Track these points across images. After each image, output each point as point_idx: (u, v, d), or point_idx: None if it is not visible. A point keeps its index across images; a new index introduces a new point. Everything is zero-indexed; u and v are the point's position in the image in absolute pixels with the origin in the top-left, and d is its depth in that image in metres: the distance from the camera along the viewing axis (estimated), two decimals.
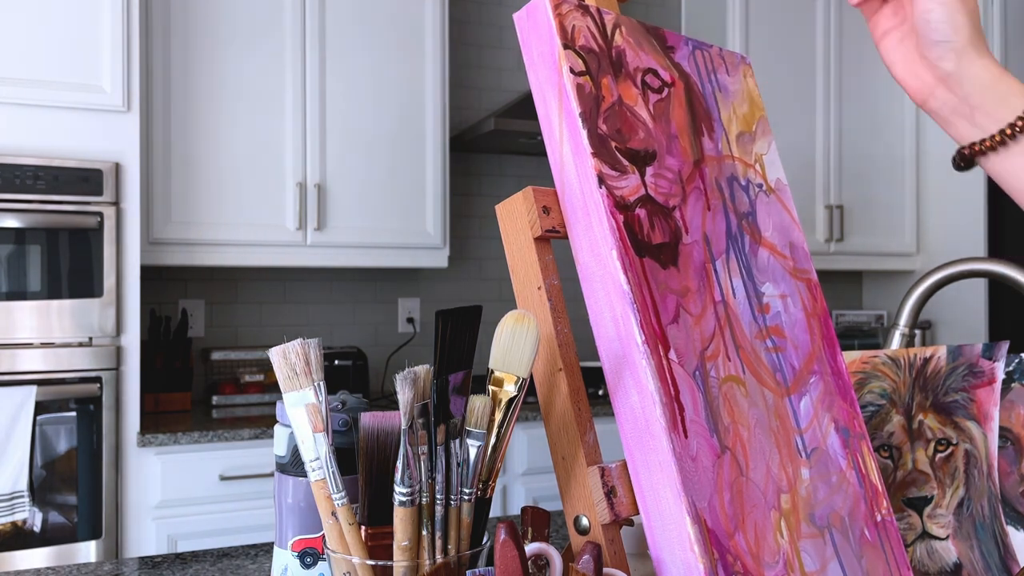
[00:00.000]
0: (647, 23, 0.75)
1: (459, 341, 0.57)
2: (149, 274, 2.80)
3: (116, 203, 2.31)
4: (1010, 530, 0.83)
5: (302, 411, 0.58)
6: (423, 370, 0.56)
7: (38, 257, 2.21)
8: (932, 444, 0.88)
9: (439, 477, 0.57)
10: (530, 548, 0.59)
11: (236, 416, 2.59)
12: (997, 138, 0.63)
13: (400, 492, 0.56)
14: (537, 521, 0.68)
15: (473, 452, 0.58)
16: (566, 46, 0.66)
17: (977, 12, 0.65)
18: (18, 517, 2.13)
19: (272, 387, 2.84)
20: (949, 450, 0.87)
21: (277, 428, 0.77)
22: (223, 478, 2.36)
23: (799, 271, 0.79)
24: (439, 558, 0.57)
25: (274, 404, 2.79)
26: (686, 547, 0.59)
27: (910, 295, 1.12)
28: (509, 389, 0.59)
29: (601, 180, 0.64)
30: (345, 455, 0.66)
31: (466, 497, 0.58)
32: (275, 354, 0.58)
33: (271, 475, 2.40)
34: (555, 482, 2.67)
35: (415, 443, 0.55)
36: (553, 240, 0.68)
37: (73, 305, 2.25)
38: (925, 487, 0.87)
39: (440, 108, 2.89)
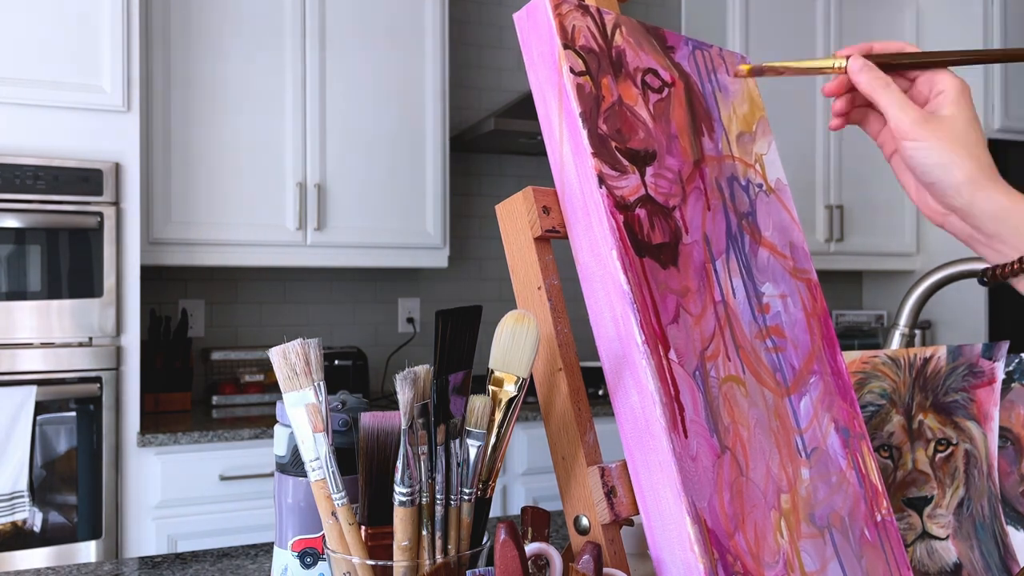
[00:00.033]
0: (647, 23, 0.75)
1: (459, 341, 0.57)
2: (149, 274, 2.80)
3: (116, 203, 2.31)
4: (1010, 530, 0.83)
5: (302, 411, 0.58)
6: (423, 370, 0.56)
7: (38, 257, 2.21)
8: (932, 444, 0.88)
9: (439, 477, 0.57)
10: (530, 548, 0.59)
11: (236, 416, 2.59)
12: (1017, 265, 0.62)
13: (400, 492, 0.56)
14: (537, 521, 0.68)
15: (473, 452, 0.58)
16: (566, 46, 0.66)
17: (976, 137, 0.63)
18: (18, 517, 2.13)
19: (272, 387, 2.84)
20: (949, 450, 0.87)
21: (277, 428, 0.77)
22: (223, 478, 2.36)
23: (799, 271, 0.79)
24: (439, 558, 0.57)
25: (274, 404, 2.79)
26: (686, 547, 0.59)
27: (910, 295, 1.12)
28: (509, 389, 0.59)
29: (601, 180, 0.64)
30: (345, 455, 0.66)
31: (466, 497, 0.58)
32: (275, 354, 0.58)
33: (271, 475, 2.40)
34: (555, 482, 2.66)
35: (415, 443, 0.55)
36: (553, 240, 0.68)
37: (73, 305, 2.25)
38: (925, 487, 0.87)
39: (440, 108, 2.89)
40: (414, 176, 2.86)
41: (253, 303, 2.99)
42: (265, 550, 1.12)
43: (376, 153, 2.81)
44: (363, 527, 0.61)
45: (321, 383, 0.58)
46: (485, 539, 0.61)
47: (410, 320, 3.19)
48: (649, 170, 0.68)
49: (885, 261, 3.63)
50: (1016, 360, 0.86)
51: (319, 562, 0.74)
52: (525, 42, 0.69)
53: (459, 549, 0.58)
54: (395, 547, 0.56)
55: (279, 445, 0.76)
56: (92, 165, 2.26)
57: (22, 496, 2.14)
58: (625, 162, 0.66)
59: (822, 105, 3.50)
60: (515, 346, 0.59)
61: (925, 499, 0.87)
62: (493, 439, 0.59)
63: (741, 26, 3.33)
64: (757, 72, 0.73)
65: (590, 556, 0.57)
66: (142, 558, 1.09)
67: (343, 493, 0.58)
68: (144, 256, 2.47)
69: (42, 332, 2.22)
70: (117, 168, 2.31)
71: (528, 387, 0.60)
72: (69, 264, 2.24)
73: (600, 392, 2.81)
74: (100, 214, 2.27)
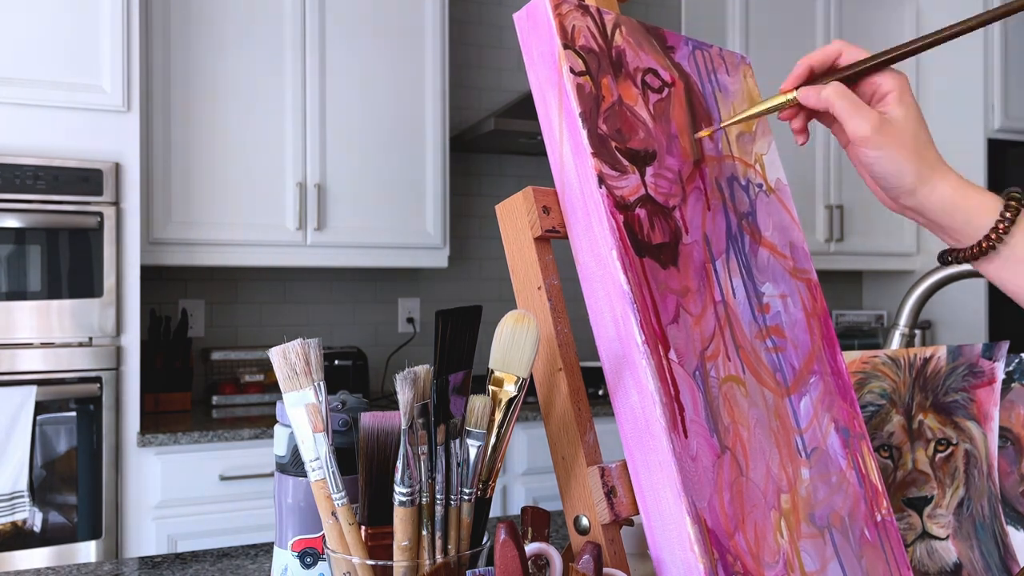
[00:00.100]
0: (647, 23, 0.75)
1: (459, 341, 0.57)
2: (149, 274, 2.80)
3: (116, 203, 2.31)
4: (1010, 530, 0.83)
5: (302, 411, 0.58)
6: (423, 370, 0.56)
7: (38, 257, 2.21)
8: (932, 444, 0.88)
9: (439, 477, 0.57)
10: (530, 548, 0.59)
11: (236, 416, 2.59)
12: (974, 250, 0.66)
13: (400, 492, 0.56)
14: (537, 521, 0.68)
15: (473, 452, 0.58)
16: (566, 46, 0.66)
17: (924, 136, 0.66)
18: (18, 517, 2.13)
19: (272, 387, 2.84)
20: (949, 450, 0.87)
21: (277, 428, 0.77)
22: (223, 478, 2.36)
23: (799, 271, 0.79)
24: (439, 558, 0.57)
25: (274, 404, 2.78)
26: (686, 547, 0.59)
27: (910, 295, 1.12)
28: (509, 389, 0.59)
29: (601, 180, 0.64)
30: (345, 455, 0.66)
31: (466, 497, 0.58)
32: (275, 354, 0.58)
33: (271, 475, 2.40)
34: (555, 482, 2.66)
35: (415, 443, 0.55)
36: (553, 240, 0.68)
37: (73, 305, 2.25)
38: (925, 487, 0.87)
39: (440, 108, 2.89)
40: (414, 176, 2.86)
41: (253, 303, 2.99)
42: (265, 550, 1.12)
43: (376, 153, 2.81)
44: (363, 527, 0.61)
45: (321, 383, 0.58)
46: (485, 539, 0.61)
47: (410, 320, 3.19)
48: (649, 170, 0.68)
49: (885, 261, 3.63)
50: (1016, 360, 0.86)
51: (319, 562, 0.74)
52: (525, 42, 0.69)
53: (459, 549, 0.58)
54: (395, 547, 0.56)
55: (279, 445, 0.76)
56: (92, 165, 2.26)
57: (22, 496, 2.14)
58: (625, 162, 0.66)
59: None
60: (515, 346, 0.59)
61: (925, 499, 0.87)
62: (493, 439, 0.59)
63: (741, 26, 3.33)
64: (717, 130, 0.75)
65: (590, 556, 0.57)
66: (142, 558, 1.09)
67: (343, 493, 0.58)
68: (144, 256, 2.47)
69: (42, 332, 2.22)
70: (117, 168, 2.31)
71: (528, 387, 0.60)
72: (69, 264, 2.24)
73: (600, 392, 2.81)
74: (100, 214, 2.27)
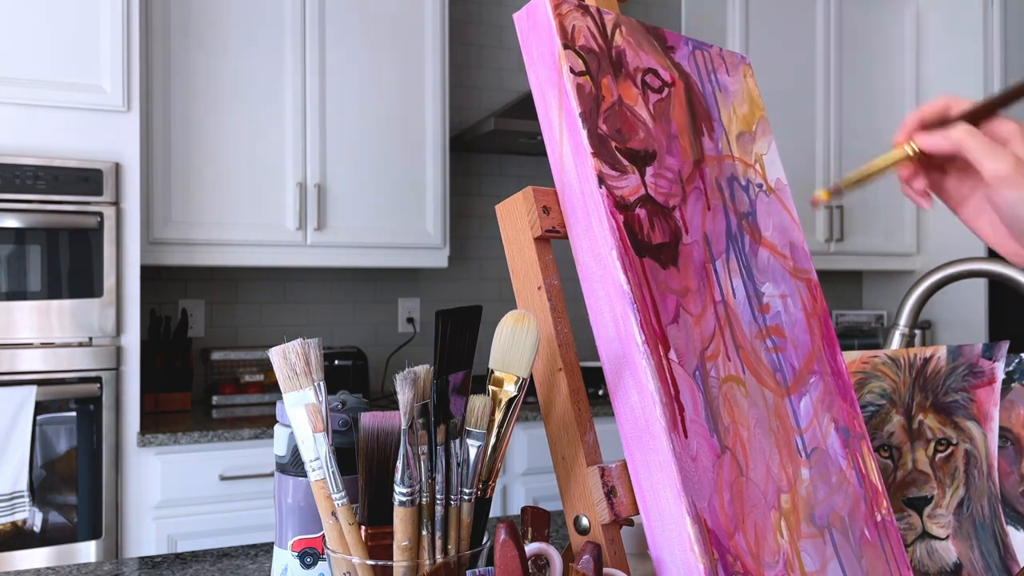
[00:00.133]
0: (647, 23, 0.75)
1: (459, 341, 0.57)
2: (149, 274, 2.80)
3: (116, 203, 2.31)
4: (1010, 530, 0.83)
5: (302, 411, 0.58)
6: (423, 370, 0.56)
7: (38, 257, 2.21)
8: (932, 444, 0.88)
9: (439, 477, 0.57)
10: (530, 548, 0.59)
11: (236, 416, 2.59)
12: None
13: (400, 492, 0.56)
14: (537, 521, 0.68)
15: (473, 452, 0.58)
16: (566, 46, 0.66)
17: None
18: (18, 517, 2.13)
19: (272, 387, 2.84)
20: (949, 450, 0.87)
21: (277, 428, 0.77)
22: (223, 478, 2.36)
23: (799, 271, 0.79)
24: (439, 558, 0.57)
25: (274, 404, 2.78)
26: (686, 547, 0.59)
27: (910, 295, 1.12)
28: (509, 389, 0.59)
29: (601, 180, 0.64)
30: (345, 455, 0.66)
31: (466, 497, 0.58)
32: (275, 354, 0.58)
33: (271, 475, 2.40)
34: (555, 482, 2.66)
35: (415, 443, 0.55)
36: (553, 240, 0.68)
37: (73, 305, 2.25)
38: (925, 487, 0.87)
39: (440, 108, 2.89)
40: (414, 176, 2.86)
41: (253, 303, 2.99)
42: (265, 550, 1.12)
43: (376, 153, 2.81)
44: (363, 527, 0.61)
45: (321, 383, 0.58)
46: (485, 539, 0.61)
47: (410, 320, 3.19)
48: (649, 170, 0.68)
49: (885, 261, 3.63)
50: (1016, 360, 0.86)
51: (319, 562, 0.74)
52: (525, 42, 0.69)
53: (459, 549, 0.58)
54: (395, 547, 0.56)
55: (279, 445, 0.76)
56: (92, 165, 2.26)
57: (22, 496, 2.14)
58: (625, 162, 0.66)
59: (822, 105, 3.50)
60: (515, 346, 0.59)
61: (925, 499, 0.87)
62: (493, 439, 0.59)
63: (741, 26, 3.33)
64: (836, 192, 0.69)
65: (590, 556, 0.57)
66: (142, 558, 1.09)
67: (343, 493, 0.58)
68: (144, 256, 2.47)
69: (42, 332, 2.22)
70: (117, 168, 2.31)
71: (528, 387, 0.60)
72: (69, 264, 2.24)
73: (600, 392, 2.81)
74: (100, 214, 2.27)
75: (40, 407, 2.18)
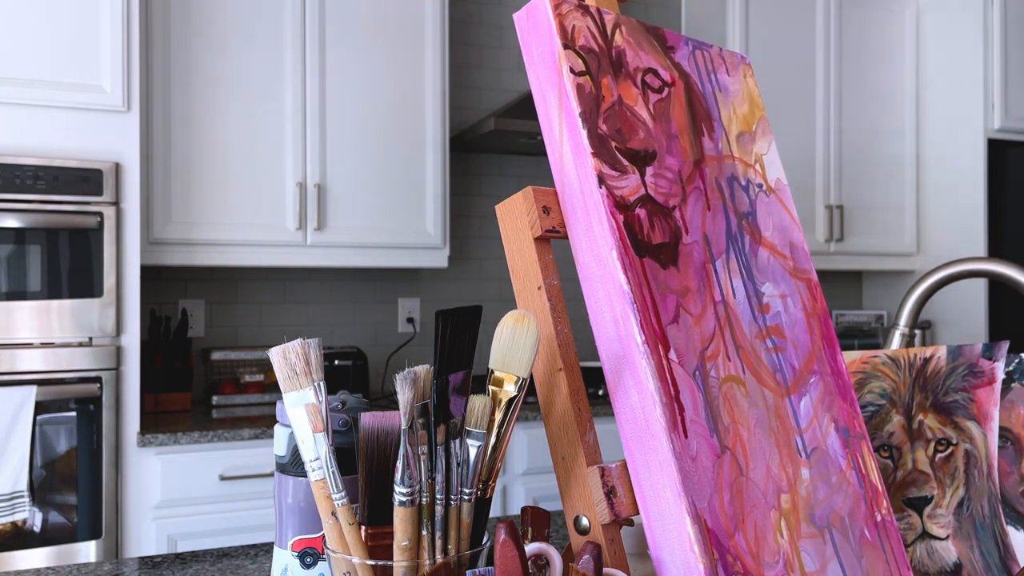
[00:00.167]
0: (647, 23, 0.75)
1: (459, 341, 0.57)
2: (149, 274, 2.80)
3: (116, 203, 2.31)
4: (1010, 530, 0.83)
5: (302, 411, 0.58)
6: (423, 370, 0.56)
7: (38, 257, 2.21)
8: (932, 444, 0.88)
9: (439, 477, 0.57)
10: (530, 548, 0.59)
11: (236, 416, 2.59)
12: None
13: (400, 492, 0.55)
14: (537, 521, 0.68)
15: (473, 452, 0.58)
16: (566, 46, 0.66)
17: None
18: (18, 517, 2.13)
19: (272, 387, 2.84)
20: (949, 450, 0.87)
21: (277, 428, 0.77)
22: (223, 478, 2.36)
23: (799, 271, 0.79)
24: (439, 558, 0.57)
25: (274, 404, 2.78)
26: (686, 547, 0.59)
27: (910, 295, 1.12)
28: (509, 389, 0.59)
29: (601, 180, 0.64)
30: (345, 455, 0.66)
31: (466, 497, 0.58)
32: (275, 354, 0.58)
33: (271, 475, 2.40)
34: (555, 482, 2.66)
35: (415, 443, 0.55)
36: (553, 240, 0.68)
37: (73, 305, 2.25)
38: (925, 487, 0.87)
39: (440, 108, 2.89)
40: (414, 176, 2.86)
41: (253, 303, 2.99)
42: (265, 550, 1.12)
43: (376, 153, 2.81)
44: (363, 527, 0.61)
45: (321, 383, 0.58)
46: (485, 539, 0.61)
47: (410, 320, 3.19)
48: (649, 170, 0.68)
49: (885, 261, 3.63)
50: (1016, 360, 0.86)
51: (319, 562, 0.74)
52: (525, 42, 0.69)
53: (459, 549, 0.58)
54: (395, 547, 0.56)
55: (279, 445, 0.76)
56: (92, 165, 2.26)
57: (22, 496, 2.14)
58: (625, 162, 0.66)
59: (822, 105, 3.50)
60: (515, 346, 0.59)
61: (925, 499, 0.87)
62: (493, 439, 0.59)
63: (741, 26, 3.33)
64: None
65: (590, 556, 0.57)
66: (142, 558, 1.09)
67: (343, 493, 0.58)
68: (144, 256, 2.47)
69: (42, 332, 2.22)
70: (117, 168, 2.31)
71: (528, 387, 0.60)
72: (69, 264, 2.24)
73: (600, 392, 2.81)
74: (100, 214, 2.27)
75: (40, 407, 2.18)
